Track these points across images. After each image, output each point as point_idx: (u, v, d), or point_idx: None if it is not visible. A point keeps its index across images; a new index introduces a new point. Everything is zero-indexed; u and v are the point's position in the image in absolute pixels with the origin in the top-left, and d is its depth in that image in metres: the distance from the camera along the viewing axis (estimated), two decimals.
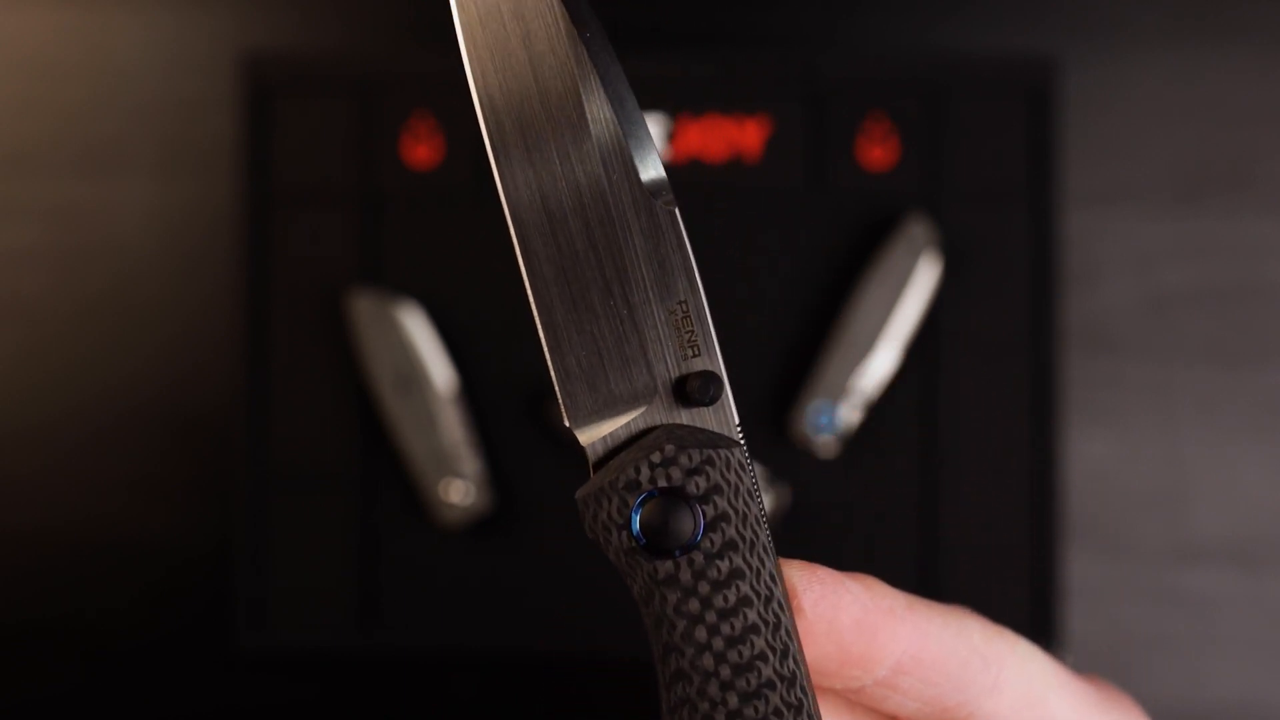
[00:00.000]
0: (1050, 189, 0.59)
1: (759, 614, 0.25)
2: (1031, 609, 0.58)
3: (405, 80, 0.59)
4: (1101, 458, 0.61)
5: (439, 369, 0.59)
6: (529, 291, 0.26)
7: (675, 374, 0.26)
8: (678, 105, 0.59)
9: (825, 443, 0.58)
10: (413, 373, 0.58)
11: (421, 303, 0.59)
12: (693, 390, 0.26)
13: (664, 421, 0.26)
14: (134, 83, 0.62)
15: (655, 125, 0.59)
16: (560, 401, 0.26)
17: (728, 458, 0.25)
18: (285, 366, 0.59)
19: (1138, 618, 0.61)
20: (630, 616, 0.59)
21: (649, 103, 0.59)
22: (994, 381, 0.59)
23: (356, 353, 0.59)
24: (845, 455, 0.59)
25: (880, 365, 0.58)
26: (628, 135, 0.26)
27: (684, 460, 0.25)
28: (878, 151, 0.59)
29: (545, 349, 0.26)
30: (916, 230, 0.58)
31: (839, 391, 0.58)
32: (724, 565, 0.25)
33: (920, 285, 0.58)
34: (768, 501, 0.57)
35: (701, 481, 0.25)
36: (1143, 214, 0.62)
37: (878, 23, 0.62)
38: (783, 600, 0.26)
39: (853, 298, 0.58)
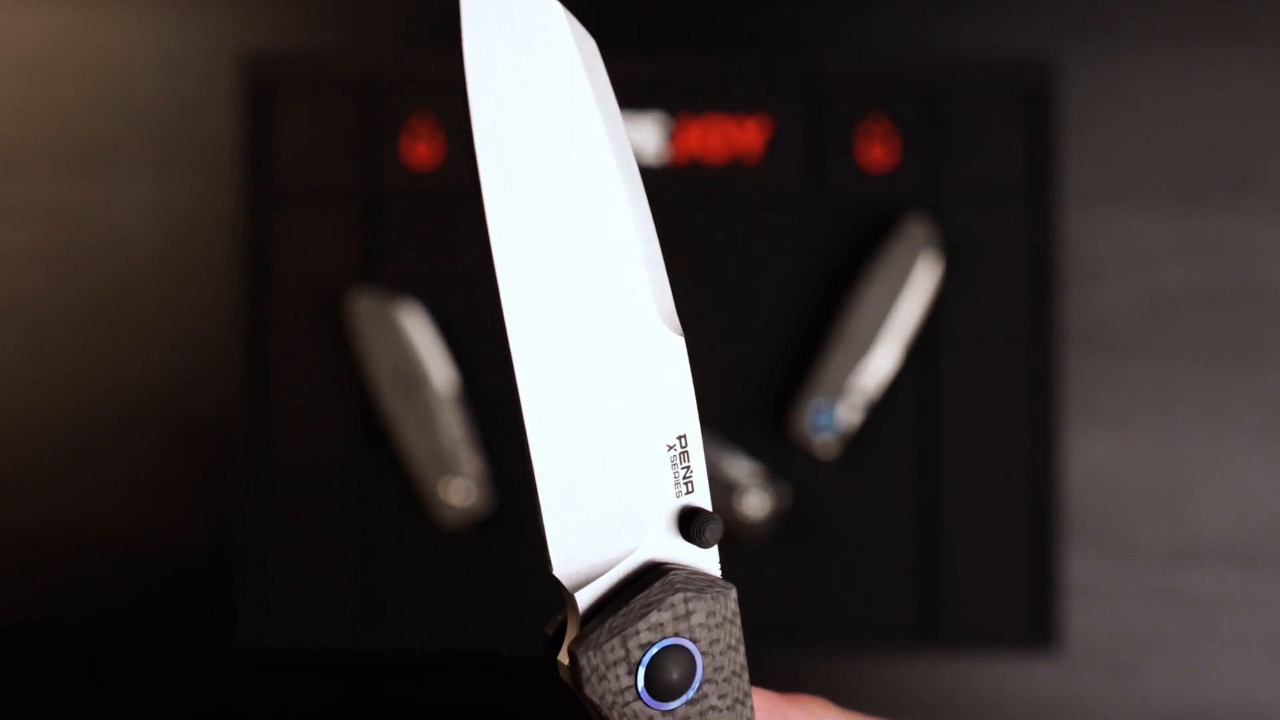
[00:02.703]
0: (1050, 189, 0.59)
1: None
2: (1031, 609, 0.58)
3: (405, 80, 0.59)
4: (1101, 458, 0.61)
5: (439, 369, 0.59)
6: (525, 429, 0.24)
7: (671, 509, 0.25)
8: (678, 105, 0.59)
9: (825, 443, 0.58)
10: (413, 373, 0.58)
11: (421, 303, 0.59)
12: (697, 532, 0.25)
13: (654, 558, 0.25)
14: (134, 83, 0.62)
15: (655, 125, 0.59)
16: (549, 545, 0.25)
17: (725, 604, 0.25)
18: (285, 367, 0.59)
19: (1138, 618, 0.61)
20: None
21: (649, 103, 0.59)
22: (994, 381, 0.59)
23: (356, 353, 0.59)
24: (845, 455, 0.59)
25: (880, 365, 0.58)
26: (644, 259, 0.24)
27: (692, 609, 0.24)
28: (878, 151, 0.59)
29: (538, 495, 0.25)
30: (916, 230, 0.58)
31: (839, 391, 0.58)
32: (711, 713, 0.25)
33: (920, 285, 0.58)
34: (768, 502, 0.57)
35: (711, 633, 0.24)
36: (1143, 214, 0.62)
37: (878, 23, 0.62)
38: None
39: (853, 298, 0.58)
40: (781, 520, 0.58)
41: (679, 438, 0.25)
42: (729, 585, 0.25)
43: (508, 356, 0.24)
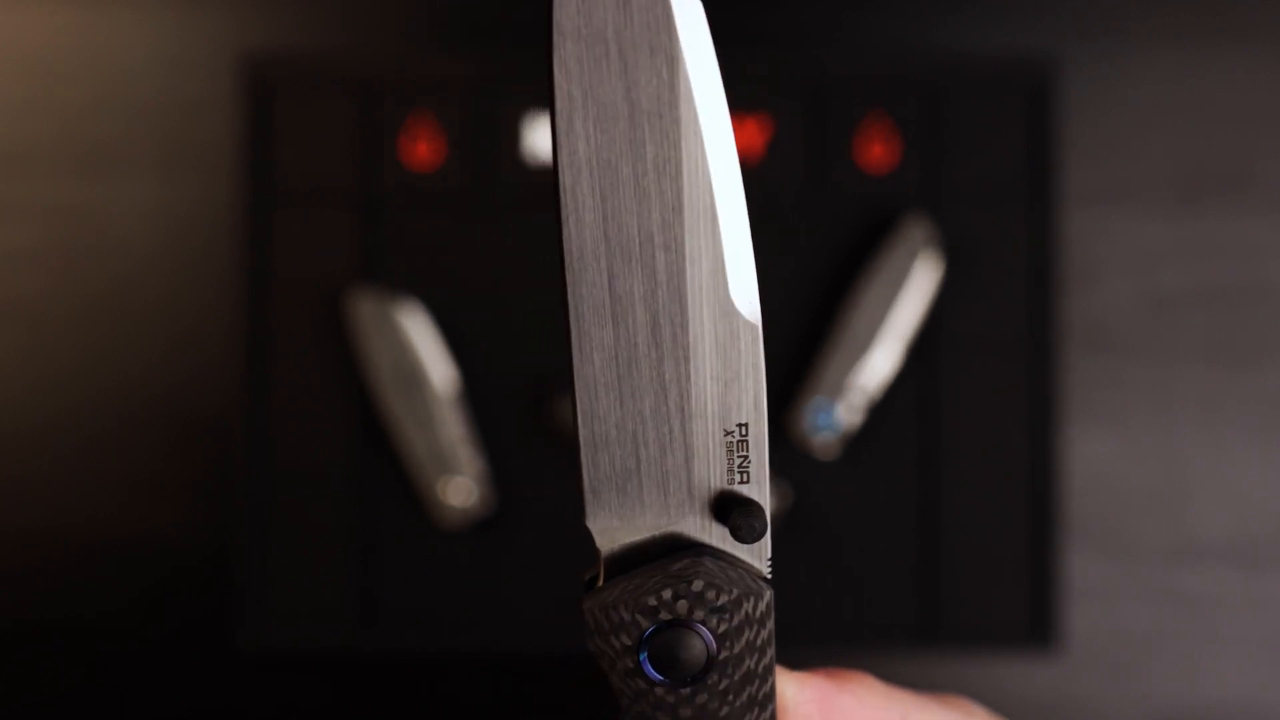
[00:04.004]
0: (1050, 189, 0.59)
1: None
2: (1031, 609, 0.58)
3: (405, 80, 0.59)
4: (1101, 458, 0.61)
5: (439, 369, 0.59)
6: (573, 374, 0.23)
7: (717, 494, 0.24)
8: None
9: (825, 443, 0.58)
10: (413, 373, 0.58)
11: (421, 303, 0.59)
12: (735, 522, 0.24)
13: (694, 537, 0.24)
14: (134, 83, 0.62)
15: None
16: (584, 495, 0.24)
17: (756, 602, 0.24)
18: (285, 366, 0.59)
19: (1138, 617, 0.61)
20: None
21: None
22: (994, 381, 0.59)
23: (356, 353, 0.59)
24: (845, 455, 0.59)
25: (880, 365, 0.58)
26: (724, 233, 0.24)
27: (711, 597, 0.23)
28: (878, 151, 0.59)
29: (579, 438, 0.24)
30: (916, 230, 0.58)
31: (839, 391, 0.58)
32: (722, 709, 0.24)
33: (920, 285, 0.58)
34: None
35: (724, 622, 0.23)
36: (1143, 214, 0.62)
37: (878, 22, 0.62)
38: None
39: (853, 298, 0.58)
40: (781, 520, 0.58)
41: (739, 425, 0.24)
42: (765, 586, 0.24)
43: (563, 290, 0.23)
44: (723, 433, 0.24)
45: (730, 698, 0.24)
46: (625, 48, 0.23)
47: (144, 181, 0.62)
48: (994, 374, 0.59)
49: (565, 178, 0.23)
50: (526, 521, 0.59)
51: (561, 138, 0.23)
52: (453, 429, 0.58)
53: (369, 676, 0.61)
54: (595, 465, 0.23)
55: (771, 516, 0.59)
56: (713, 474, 0.24)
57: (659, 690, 0.24)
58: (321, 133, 0.59)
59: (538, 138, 0.60)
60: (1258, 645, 0.61)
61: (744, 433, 0.24)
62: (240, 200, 0.59)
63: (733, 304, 0.23)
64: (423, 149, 0.59)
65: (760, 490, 0.24)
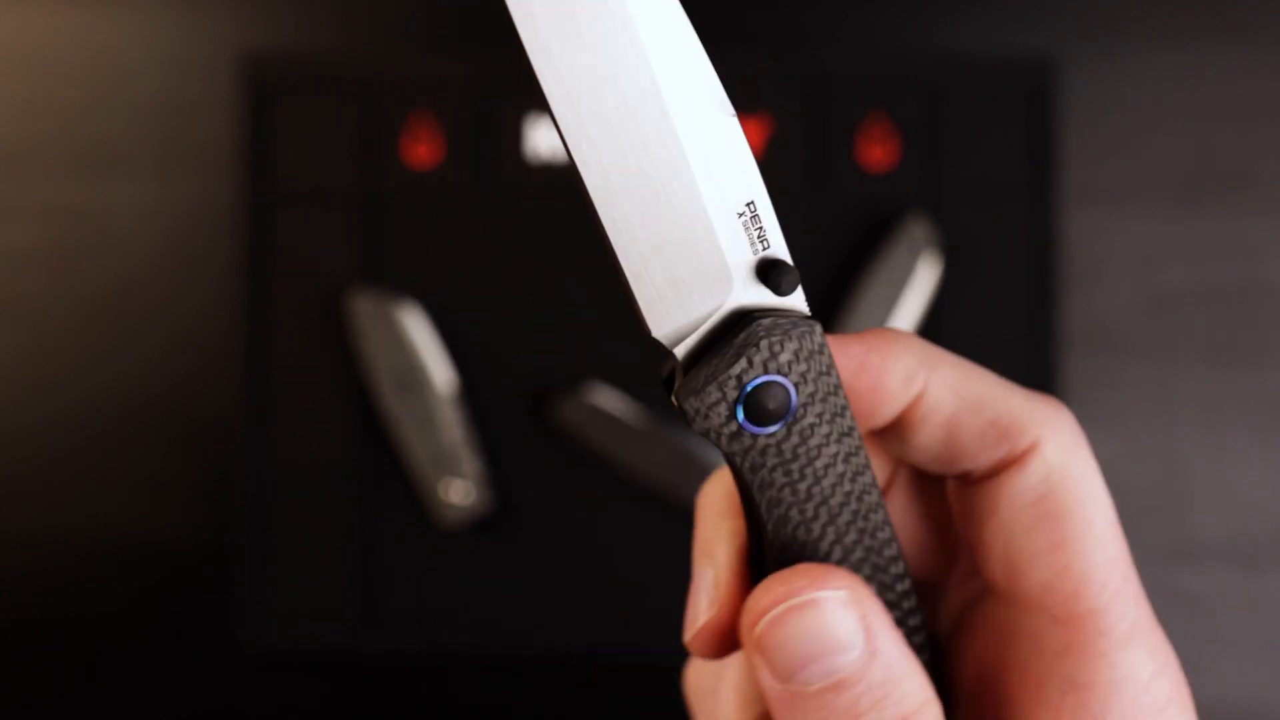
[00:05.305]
0: (1050, 189, 0.59)
1: (842, 455, 0.28)
2: None
3: (405, 80, 0.59)
4: (1101, 458, 0.61)
5: (439, 369, 0.59)
6: (592, 200, 0.26)
7: (751, 263, 0.28)
8: None
9: None
10: (413, 373, 0.58)
11: (421, 303, 0.59)
12: (775, 279, 0.28)
13: (742, 306, 0.28)
14: (134, 83, 0.62)
15: None
16: (640, 308, 0.27)
17: (811, 339, 0.28)
18: (286, 367, 0.59)
19: None
20: (629, 617, 0.59)
21: None
22: None
23: (356, 353, 0.59)
24: None
25: None
26: (689, 50, 0.27)
27: (776, 349, 0.27)
28: (878, 151, 0.59)
29: (618, 256, 0.27)
30: (916, 230, 0.58)
31: None
32: (813, 431, 0.28)
33: (920, 285, 0.58)
34: None
35: (795, 366, 0.27)
36: (1143, 214, 0.62)
37: (878, 22, 0.62)
38: (858, 447, 0.28)
39: (853, 298, 0.58)
40: None
41: (748, 204, 0.27)
42: (814, 321, 0.28)
43: (568, 151, 0.26)
44: (736, 215, 0.27)
45: (816, 419, 0.28)
46: None
47: (144, 181, 0.62)
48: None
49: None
50: (526, 521, 0.59)
51: None
52: (453, 429, 0.58)
53: (369, 676, 0.61)
54: (643, 287, 0.27)
55: None
56: (740, 248, 0.27)
57: (763, 440, 0.28)
58: (321, 133, 0.59)
59: (538, 138, 0.60)
60: (1258, 645, 0.61)
61: (754, 209, 0.27)
62: (240, 200, 0.59)
63: (712, 108, 0.27)
64: (423, 149, 0.59)
65: (780, 250, 0.28)
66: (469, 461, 0.58)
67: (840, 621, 0.27)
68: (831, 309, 0.59)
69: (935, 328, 0.59)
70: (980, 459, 0.30)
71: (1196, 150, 0.62)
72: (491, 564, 0.59)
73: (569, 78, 0.26)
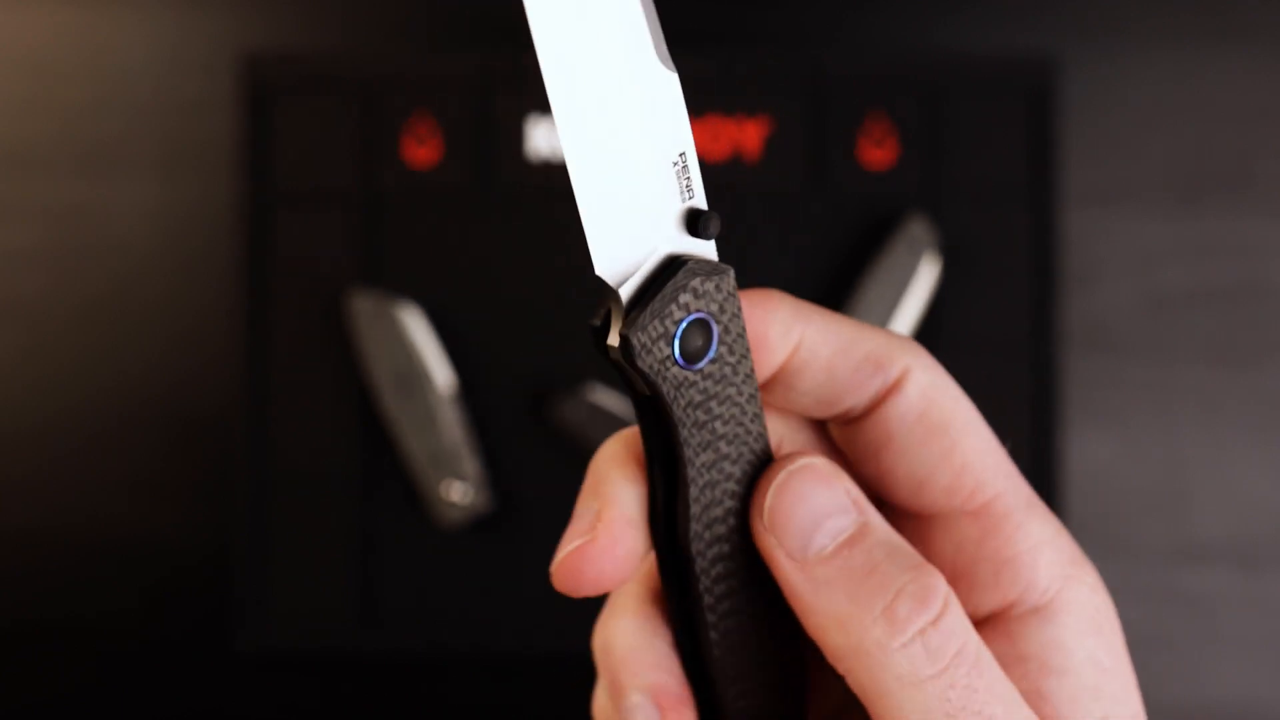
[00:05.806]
0: (1050, 189, 0.59)
1: (747, 395, 0.32)
2: None
3: (405, 80, 0.59)
4: (1101, 458, 0.61)
5: (439, 369, 0.59)
6: (561, 133, 0.29)
7: (680, 211, 0.30)
8: None
9: None
10: (413, 373, 0.58)
11: (421, 303, 0.59)
12: (704, 226, 0.30)
13: (671, 251, 0.30)
14: (134, 83, 0.62)
15: None
16: (593, 252, 0.30)
17: (728, 281, 0.31)
18: (286, 367, 0.59)
19: (1138, 618, 0.61)
20: None
21: None
22: (994, 381, 0.59)
23: (356, 353, 0.59)
24: None
25: None
26: (644, 12, 0.30)
27: (713, 291, 0.30)
28: (878, 151, 0.59)
29: (583, 211, 0.30)
30: (916, 230, 0.58)
31: None
32: (736, 370, 0.31)
33: (920, 285, 0.58)
34: None
35: (721, 306, 0.31)
36: (1143, 214, 0.62)
37: (878, 22, 0.62)
38: (751, 375, 0.32)
39: (853, 298, 0.58)
40: None
41: (680, 154, 0.30)
42: (728, 267, 0.31)
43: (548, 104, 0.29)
44: (671, 164, 0.30)
45: (730, 358, 0.31)
46: None
47: (144, 181, 0.62)
48: (994, 374, 0.59)
49: None
50: (526, 521, 0.59)
51: None
52: (453, 429, 0.58)
53: (369, 676, 0.61)
54: (598, 225, 0.30)
55: None
56: (671, 197, 0.30)
57: (692, 375, 0.30)
58: (321, 133, 0.59)
59: (538, 137, 0.60)
60: (1258, 645, 0.61)
61: (684, 160, 0.30)
62: (240, 200, 0.59)
63: (653, 63, 0.30)
64: (423, 149, 0.59)
65: (702, 199, 0.31)
66: (469, 461, 0.58)
67: (833, 485, 0.31)
68: (831, 309, 0.59)
69: (935, 328, 0.59)
70: (861, 393, 0.33)
71: (1196, 150, 0.62)
72: (491, 564, 0.59)
73: (556, 19, 0.28)
